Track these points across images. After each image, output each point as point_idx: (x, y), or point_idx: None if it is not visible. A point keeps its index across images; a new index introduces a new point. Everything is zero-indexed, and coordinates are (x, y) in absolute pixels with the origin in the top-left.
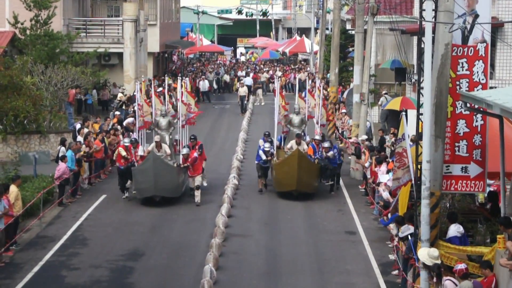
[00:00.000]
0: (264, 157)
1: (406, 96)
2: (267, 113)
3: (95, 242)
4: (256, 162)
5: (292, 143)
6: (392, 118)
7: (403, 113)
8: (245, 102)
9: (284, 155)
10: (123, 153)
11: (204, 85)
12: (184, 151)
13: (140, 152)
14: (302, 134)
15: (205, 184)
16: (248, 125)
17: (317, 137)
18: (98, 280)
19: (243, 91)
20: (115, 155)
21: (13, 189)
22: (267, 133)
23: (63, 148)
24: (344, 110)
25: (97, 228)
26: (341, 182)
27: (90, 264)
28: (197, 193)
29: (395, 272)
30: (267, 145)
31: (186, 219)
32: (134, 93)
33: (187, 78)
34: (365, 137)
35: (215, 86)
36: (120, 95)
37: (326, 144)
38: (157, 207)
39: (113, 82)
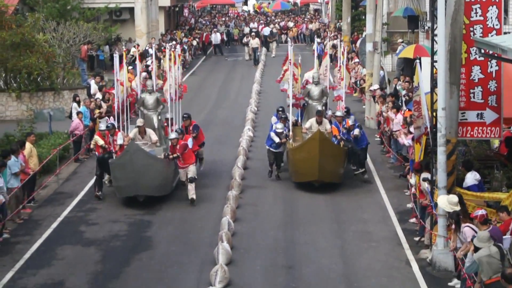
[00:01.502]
0: (276, 140)
1: (419, 43)
2: (280, 64)
3: (112, 197)
4: (266, 146)
5: (311, 122)
6: (407, 66)
7: (417, 61)
8: (258, 53)
9: (302, 136)
10: (100, 142)
11: (216, 37)
12: (172, 135)
13: (119, 140)
14: (324, 109)
15: (200, 168)
16: (261, 77)
17: (339, 113)
18: (116, 234)
19: (255, 42)
20: (93, 143)
21: (27, 145)
22: (280, 108)
23: (75, 105)
24: (357, 60)
25: None
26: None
27: (108, 219)
28: (191, 187)
29: (413, 220)
30: (279, 125)
31: (202, 172)
32: (146, 48)
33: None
34: (377, 86)
35: (225, 38)
36: (133, 49)
37: (350, 121)
38: None
39: (128, 38)
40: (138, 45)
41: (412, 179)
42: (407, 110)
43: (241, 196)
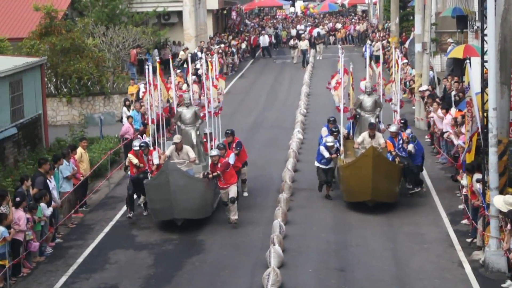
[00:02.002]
0: (326, 155)
1: (469, 43)
2: (329, 66)
3: None
4: (316, 163)
5: (364, 136)
6: (456, 67)
7: (467, 61)
8: (307, 55)
9: (353, 151)
10: (134, 160)
11: (264, 40)
12: (213, 152)
13: (155, 159)
14: (377, 122)
15: (245, 194)
16: (310, 79)
17: (393, 128)
18: (168, 238)
19: (304, 44)
20: (127, 162)
21: (78, 150)
22: (332, 118)
23: (125, 109)
24: (405, 61)
25: None
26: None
27: (159, 223)
28: (233, 208)
29: (465, 221)
30: (330, 139)
31: (252, 175)
32: (195, 51)
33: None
34: (426, 87)
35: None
36: (181, 53)
37: (408, 131)
38: None
39: (177, 41)
40: (187, 48)
41: (464, 180)
42: (457, 110)
43: (292, 198)
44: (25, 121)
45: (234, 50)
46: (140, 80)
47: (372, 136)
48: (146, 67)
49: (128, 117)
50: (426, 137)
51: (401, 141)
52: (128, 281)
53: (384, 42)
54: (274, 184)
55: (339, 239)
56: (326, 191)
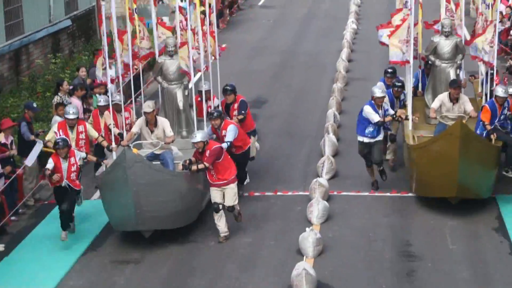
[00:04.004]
0: (376, 118)
1: None
2: None
3: (218, 92)
4: (358, 137)
5: (442, 100)
6: None
7: None
8: None
9: (423, 115)
10: (50, 164)
11: None
12: (196, 137)
13: (50, 164)
14: (460, 77)
15: (247, 181)
16: None
17: (501, 91)
18: None
19: None
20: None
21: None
22: (390, 69)
23: (177, 0)
24: None
25: (219, 78)
26: None
27: None
28: (235, 214)
29: None
30: (377, 91)
31: (306, 65)
32: None
33: None
34: None
35: None
36: None
37: None
38: (276, 54)
39: None
40: None
41: None
42: None
43: (346, 88)
44: (79, 13)
45: None
46: None
47: (454, 100)
48: None
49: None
50: None
51: (506, 111)
52: None
53: None
54: (328, 74)
55: None
56: (372, 175)
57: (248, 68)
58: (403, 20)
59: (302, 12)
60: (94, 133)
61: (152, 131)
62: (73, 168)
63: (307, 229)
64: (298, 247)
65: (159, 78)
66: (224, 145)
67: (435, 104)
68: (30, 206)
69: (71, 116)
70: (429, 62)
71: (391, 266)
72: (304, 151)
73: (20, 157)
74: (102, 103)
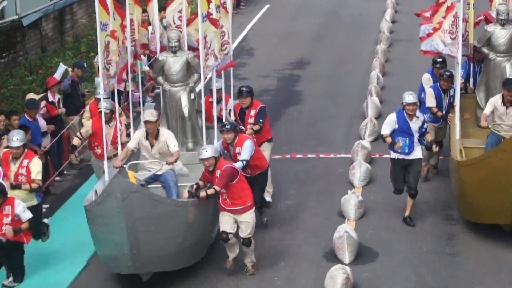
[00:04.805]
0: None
1: None
2: None
3: (261, 52)
4: (391, 154)
5: (494, 103)
6: None
7: None
8: None
9: (474, 118)
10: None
11: None
12: (207, 152)
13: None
14: None
15: (268, 199)
16: None
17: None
18: (266, 89)
19: None
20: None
21: None
22: (439, 59)
23: None
24: None
25: (263, 38)
26: None
27: (257, 74)
28: (249, 251)
29: None
30: (408, 96)
31: (349, 26)
32: None
33: None
34: None
35: None
36: None
37: None
38: (319, 15)
39: None
40: None
41: None
42: None
43: (390, 50)
44: None
45: None
46: None
47: (509, 103)
48: None
49: None
50: None
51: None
52: None
53: None
54: (372, 35)
55: None
56: (406, 208)
57: (291, 29)
58: (449, 8)
59: None
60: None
61: (152, 146)
62: (6, 220)
63: (349, 191)
64: (340, 210)
65: (160, 79)
66: (239, 165)
67: (487, 110)
68: (74, 166)
69: (15, 144)
70: (482, 56)
71: (432, 229)
72: (346, 113)
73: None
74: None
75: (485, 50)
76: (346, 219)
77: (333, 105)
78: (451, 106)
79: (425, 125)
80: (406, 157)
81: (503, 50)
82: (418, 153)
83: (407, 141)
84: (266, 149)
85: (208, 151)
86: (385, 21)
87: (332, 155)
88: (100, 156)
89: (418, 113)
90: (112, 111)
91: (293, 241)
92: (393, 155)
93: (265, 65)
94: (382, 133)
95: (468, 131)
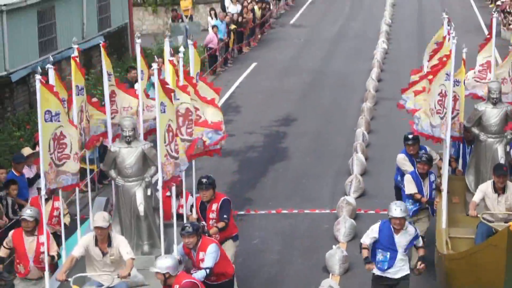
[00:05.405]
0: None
1: None
2: None
3: (248, 109)
4: (374, 270)
5: (484, 190)
6: None
7: None
8: None
9: (463, 201)
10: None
11: None
12: (162, 264)
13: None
14: (510, 161)
15: None
16: None
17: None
18: (252, 145)
19: None
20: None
21: None
22: (410, 135)
23: (209, 19)
24: None
25: (249, 96)
26: None
27: (244, 131)
28: None
29: None
30: (395, 209)
31: (335, 84)
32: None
33: None
34: None
35: None
36: None
37: None
38: (306, 73)
39: None
40: None
41: None
42: None
43: (375, 108)
44: (112, 30)
45: None
46: None
47: (500, 190)
48: None
49: (213, 27)
50: None
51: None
52: None
53: None
54: (358, 93)
55: None
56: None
57: (278, 87)
58: (431, 79)
59: (333, 31)
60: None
61: (104, 254)
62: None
63: (333, 246)
64: (324, 265)
65: (113, 173)
66: (201, 274)
67: (476, 197)
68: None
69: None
70: (472, 136)
71: (416, 285)
72: (332, 169)
73: None
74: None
75: (475, 130)
76: (331, 274)
77: (319, 161)
78: (434, 192)
79: (415, 242)
80: (391, 276)
81: (495, 130)
82: (404, 271)
83: (387, 256)
84: (229, 249)
85: (163, 264)
86: (371, 79)
87: (317, 211)
88: (23, 274)
89: (408, 226)
90: (37, 220)
91: None
92: (376, 271)
93: (251, 122)
94: (361, 241)
95: (457, 217)
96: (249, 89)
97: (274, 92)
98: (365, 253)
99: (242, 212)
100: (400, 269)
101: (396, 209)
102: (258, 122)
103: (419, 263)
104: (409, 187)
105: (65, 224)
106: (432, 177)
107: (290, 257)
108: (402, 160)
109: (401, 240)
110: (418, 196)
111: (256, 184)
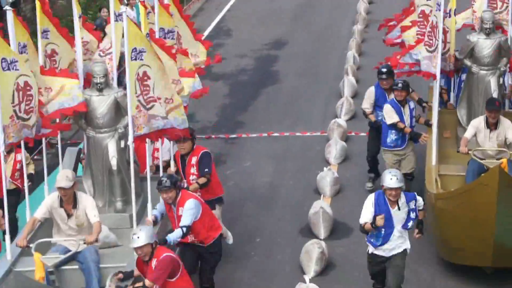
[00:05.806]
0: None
1: None
2: None
3: (239, 32)
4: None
5: (477, 126)
6: None
7: None
8: None
9: (454, 139)
10: None
11: None
12: (140, 238)
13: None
14: (503, 88)
15: (229, 242)
16: None
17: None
18: (243, 68)
19: None
20: None
21: None
22: (384, 69)
23: None
24: None
25: (241, 19)
26: None
27: (235, 54)
28: None
29: None
30: (390, 178)
31: (329, 6)
32: None
33: None
34: None
35: None
36: None
37: None
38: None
39: None
40: None
41: None
42: None
43: (366, 30)
44: None
45: None
46: None
47: (493, 125)
48: None
49: None
50: None
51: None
52: (204, 110)
53: None
54: (349, 15)
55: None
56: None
57: (269, 9)
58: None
59: None
60: None
61: (70, 216)
62: None
63: (325, 168)
64: (315, 187)
65: (83, 123)
66: (178, 233)
67: (468, 133)
68: (53, 145)
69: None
70: (463, 68)
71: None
72: (323, 92)
73: None
74: None
75: (467, 62)
76: (322, 196)
77: (309, 84)
78: (415, 121)
79: (412, 215)
80: (383, 254)
81: (488, 62)
82: (400, 247)
83: (382, 232)
84: (217, 212)
85: (141, 237)
86: (362, 1)
87: (308, 134)
88: None
89: (403, 197)
90: None
91: (270, 218)
92: (370, 248)
93: (242, 45)
94: (360, 222)
95: (448, 152)
96: (240, 12)
97: (265, 14)
98: (368, 227)
99: (233, 136)
100: (396, 246)
101: (392, 178)
102: (249, 45)
103: (415, 231)
104: (391, 115)
105: (30, 176)
106: (412, 104)
107: (282, 180)
108: (369, 94)
109: (398, 213)
110: (402, 125)
111: (247, 107)
